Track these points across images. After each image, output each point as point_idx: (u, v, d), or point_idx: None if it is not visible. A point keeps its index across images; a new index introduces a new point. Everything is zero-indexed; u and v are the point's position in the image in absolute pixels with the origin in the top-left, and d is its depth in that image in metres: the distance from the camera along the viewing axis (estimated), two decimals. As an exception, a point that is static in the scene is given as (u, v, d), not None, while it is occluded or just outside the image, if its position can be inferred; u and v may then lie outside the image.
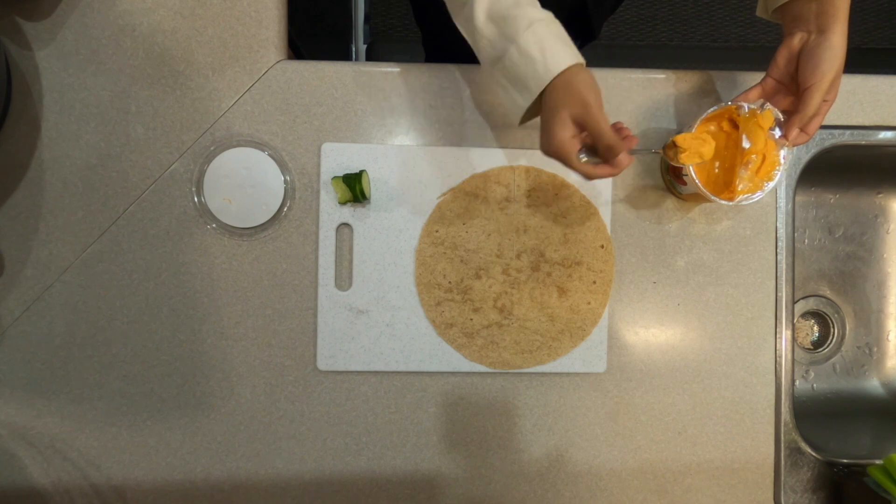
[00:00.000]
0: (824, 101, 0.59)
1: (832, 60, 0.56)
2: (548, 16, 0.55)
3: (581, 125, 0.54)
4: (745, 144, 0.62)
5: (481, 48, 0.56)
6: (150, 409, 0.69)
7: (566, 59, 0.53)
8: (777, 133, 0.62)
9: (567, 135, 0.54)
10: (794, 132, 0.60)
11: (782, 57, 0.60)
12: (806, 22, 0.58)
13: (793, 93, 0.61)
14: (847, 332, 0.92)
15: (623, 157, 0.55)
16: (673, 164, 0.63)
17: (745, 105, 0.62)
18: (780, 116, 0.61)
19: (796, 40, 0.59)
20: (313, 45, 1.09)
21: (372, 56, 1.56)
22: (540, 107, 0.56)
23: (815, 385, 0.91)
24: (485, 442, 0.72)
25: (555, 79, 0.53)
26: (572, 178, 0.71)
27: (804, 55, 0.58)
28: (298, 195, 0.70)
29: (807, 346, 0.92)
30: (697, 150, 0.62)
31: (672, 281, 0.73)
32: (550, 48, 0.53)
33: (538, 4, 0.55)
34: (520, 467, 0.72)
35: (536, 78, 0.53)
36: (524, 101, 0.55)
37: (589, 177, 0.57)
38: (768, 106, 0.61)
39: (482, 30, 0.54)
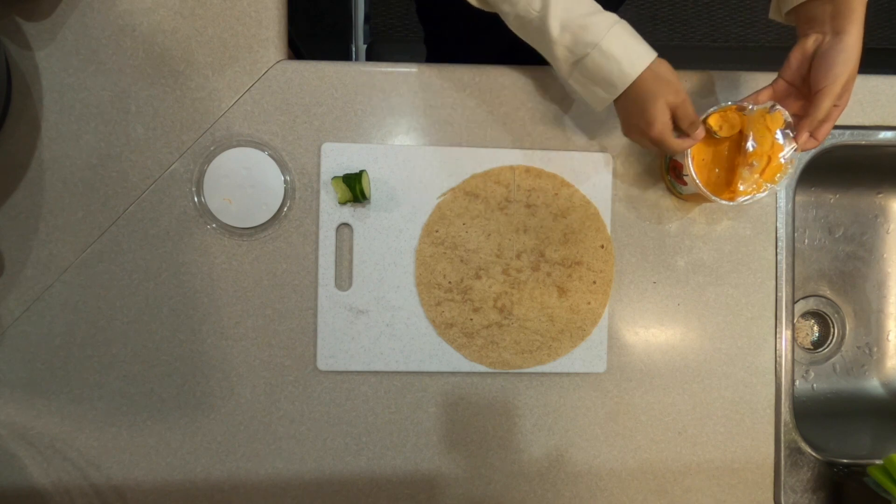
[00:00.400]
0: (835, 105, 0.58)
1: (846, 63, 0.56)
2: (619, 18, 0.59)
3: (673, 109, 0.59)
4: (751, 145, 0.62)
5: (557, 55, 0.60)
6: (150, 409, 0.69)
7: (646, 55, 0.58)
8: (780, 136, 0.62)
9: (667, 118, 0.59)
10: (804, 136, 0.60)
11: (795, 58, 0.60)
12: (821, 23, 0.57)
13: (804, 96, 0.61)
14: (847, 332, 0.92)
15: (700, 129, 0.61)
16: (718, 136, 0.64)
17: (751, 105, 0.61)
18: (790, 118, 0.61)
19: (810, 42, 0.58)
20: (313, 45, 1.09)
21: (372, 56, 1.56)
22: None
23: (815, 385, 0.91)
24: (485, 442, 0.72)
25: (643, 72, 0.57)
26: (572, 178, 0.71)
27: (817, 57, 0.58)
28: (298, 195, 0.70)
29: (807, 346, 0.92)
30: (729, 122, 0.63)
31: (672, 281, 0.73)
32: (632, 47, 0.58)
33: (603, 10, 0.59)
34: (520, 467, 0.72)
35: (622, 75, 0.57)
36: (609, 96, 0.60)
37: (675, 150, 0.62)
38: (778, 107, 0.61)
39: (558, 39, 0.58)
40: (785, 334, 0.74)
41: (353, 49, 1.53)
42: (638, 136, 0.62)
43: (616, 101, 0.61)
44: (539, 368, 0.71)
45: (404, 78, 0.70)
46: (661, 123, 0.59)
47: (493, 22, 0.64)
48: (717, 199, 0.64)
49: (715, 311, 0.74)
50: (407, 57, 1.21)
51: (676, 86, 0.59)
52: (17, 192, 0.67)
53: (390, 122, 0.70)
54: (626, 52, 0.57)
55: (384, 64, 0.70)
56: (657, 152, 0.62)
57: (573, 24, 0.57)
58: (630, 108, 0.60)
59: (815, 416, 0.85)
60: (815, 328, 0.92)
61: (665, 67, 0.59)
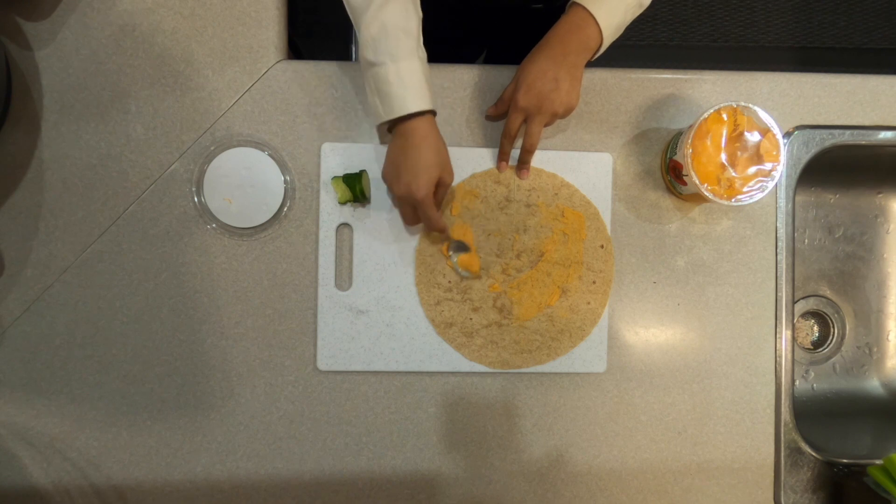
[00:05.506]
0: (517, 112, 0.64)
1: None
2: (423, 56, 0.60)
3: (440, 182, 0.62)
4: (753, 139, 0.62)
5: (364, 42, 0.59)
6: (150, 409, 0.69)
7: (425, 104, 0.59)
8: (751, 138, 0.63)
9: (433, 188, 0.61)
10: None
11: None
12: None
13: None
14: (847, 332, 0.92)
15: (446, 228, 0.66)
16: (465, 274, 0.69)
17: (742, 104, 0.62)
18: (768, 119, 0.62)
19: None
20: (313, 45, 1.09)
21: (372, 56, 1.55)
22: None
23: (815, 385, 0.91)
24: (485, 442, 0.72)
25: (418, 119, 0.59)
26: (572, 178, 0.71)
27: None
28: (298, 195, 0.70)
29: (807, 346, 0.92)
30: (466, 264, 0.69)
31: (672, 281, 0.73)
32: (421, 86, 0.59)
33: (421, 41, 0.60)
34: (520, 467, 0.72)
35: (403, 102, 0.58)
36: (385, 115, 0.60)
37: (434, 222, 0.64)
38: (743, 104, 0.63)
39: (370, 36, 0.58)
40: (785, 334, 0.74)
41: (354, 49, 1.53)
42: (403, 190, 0.62)
43: (392, 141, 0.62)
44: (539, 368, 0.71)
45: (404, 78, 0.70)
46: (428, 191, 0.60)
47: (492, 23, 0.64)
48: (717, 199, 0.64)
49: (715, 311, 0.74)
50: (407, 57, 1.21)
51: (449, 166, 0.62)
52: (17, 192, 0.67)
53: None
54: (416, 88, 0.58)
55: (384, 64, 0.70)
56: (407, 214, 0.65)
57: (390, 27, 0.57)
58: (400, 152, 0.60)
59: (815, 416, 0.85)
60: (815, 328, 0.92)
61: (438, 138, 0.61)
